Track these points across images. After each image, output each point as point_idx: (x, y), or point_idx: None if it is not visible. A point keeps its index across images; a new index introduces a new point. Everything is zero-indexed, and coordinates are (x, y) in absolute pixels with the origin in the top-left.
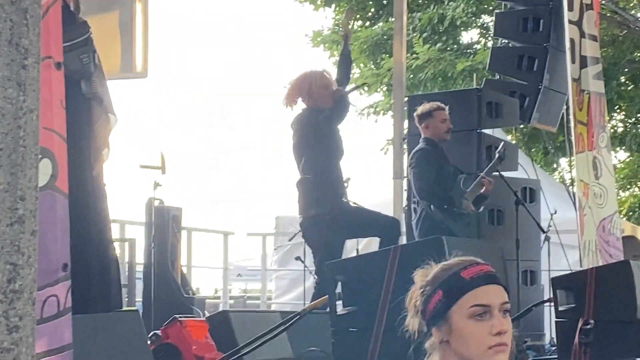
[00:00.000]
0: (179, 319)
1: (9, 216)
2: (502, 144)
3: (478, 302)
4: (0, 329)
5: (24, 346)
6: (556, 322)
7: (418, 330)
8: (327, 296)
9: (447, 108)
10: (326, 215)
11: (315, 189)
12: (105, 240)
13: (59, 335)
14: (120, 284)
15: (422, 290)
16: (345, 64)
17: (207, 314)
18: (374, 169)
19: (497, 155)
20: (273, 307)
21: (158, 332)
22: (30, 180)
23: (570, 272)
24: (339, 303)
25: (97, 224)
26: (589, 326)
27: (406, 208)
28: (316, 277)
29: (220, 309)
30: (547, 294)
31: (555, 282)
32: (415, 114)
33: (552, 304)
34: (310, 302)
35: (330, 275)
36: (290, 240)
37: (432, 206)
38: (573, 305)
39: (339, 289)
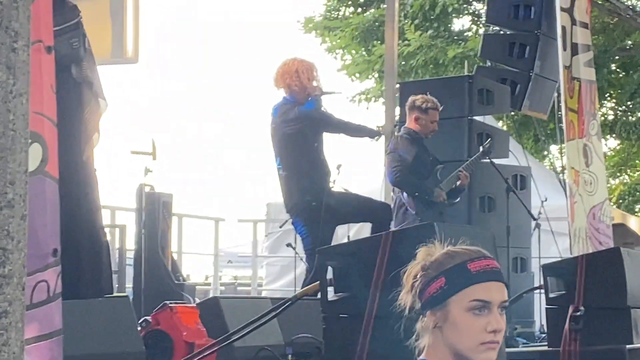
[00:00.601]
0: (169, 305)
1: None
2: (489, 140)
3: (479, 297)
4: None
5: (13, 331)
6: (546, 309)
7: (410, 307)
8: (318, 282)
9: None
10: (312, 202)
11: (298, 181)
12: (96, 225)
13: (48, 321)
14: (111, 270)
15: (423, 270)
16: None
17: (198, 301)
18: (364, 156)
19: (480, 150)
20: (264, 294)
21: (148, 318)
22: (20, 165)
23: (560, 259)
24: (330, 289)
25: (87, 209)
26: (579, 313)
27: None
28: (307, 264)
29: (211, 295)
30: (538, 281)
31: (546, 269)
32: (409, 102)
33: (543, 291)
34: (301, 288)
35: (321, 261)
36: (281, 227)
37: (404, 193)
38: (563, 292)
39: (330, 275)
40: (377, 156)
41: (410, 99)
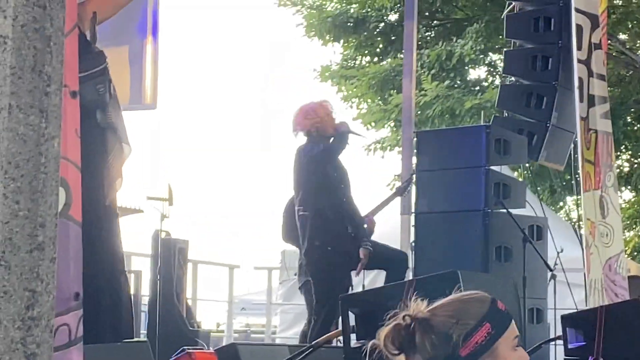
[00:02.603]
0: (188, 350)
1: (28, 243)
2: (408, 179)
3: (516, 333)
4: (17, 356)
5: None
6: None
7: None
8: (340, 329)
9: None
10: (327, 246)
11: (314, 222)
12: (116, 270)
13: None
14: (131, 315)
15: (456, 321)
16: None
17: (211, 348)
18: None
19: (394, 191)
20: (277, 342)
21: None
22: (51, 207)
23: (578, 310)
24: (353, 336)
25: (109, 254)
26: None
27: (413, 244)
28: (314, 316)
29: (225, 342)
30: (553, 332)
31: (565, 320)
32: None
33: (560, 341)
34: (302, 340)
35: (343, 308)
36: (295, 274)
37: None
38: (583, 343)
39: (352, 322)
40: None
41: None
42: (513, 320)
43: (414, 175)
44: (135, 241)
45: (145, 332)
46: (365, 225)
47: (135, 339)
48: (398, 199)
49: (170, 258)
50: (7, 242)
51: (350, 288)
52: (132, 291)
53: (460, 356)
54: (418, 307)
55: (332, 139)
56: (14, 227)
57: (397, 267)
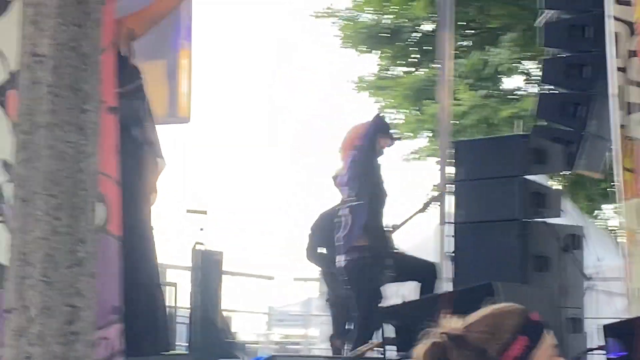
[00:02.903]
0: None
1: (69, 258)
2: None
3: (553, 343)
4: None
5: None
6: None
7: None
8: (378, 341)
9: None
10: (368, 256)
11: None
12: (153, 283)
13: None
14: (167, 327)
15: (491, 335)
16: None
17: (248, 359)
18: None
19: (421, 207)
20: (315, 353)
21: None
22: (90, 223)
23: (621, 319)
24: (391, 348)
25: (145, 267)
26: None
27: (451, 254)
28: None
29: (261, 353)
30: (591, 342)
31: (607, 330)
32: None
33: (601, 351)
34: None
35: (382, 320)
36: None
37: None
38: (625, 353)
39: (391, 334)
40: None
41: None
42: (549, 330)
43: (438, 193)
44: (171, 253)
45: (185, 344)
46: None
47: (177, 352)
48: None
49: (207, 270)
50: (48, 258)
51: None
52: (167, 303)
53: None
54: (453, 324)
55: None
56: (54, 243)
57: (429, 278)
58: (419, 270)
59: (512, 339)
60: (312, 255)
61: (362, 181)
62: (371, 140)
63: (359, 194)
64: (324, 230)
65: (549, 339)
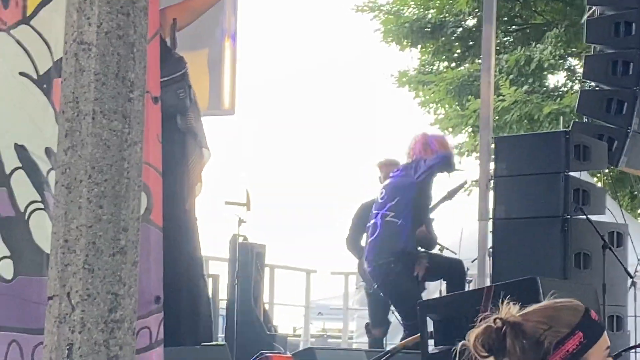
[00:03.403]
0: (267, 354)
1: (111, 246)
2: (461, 184)
3: (608, 344)
4: (100, 358)
5: None
6: None
7: None
8: (418, 334)
9: None
10: (391, 264)
11: (400, 235)
12: (196, 274)
13: None
14: (210, 318)
15: (548, 327)
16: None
17: (288, 352)
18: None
19: (445, 194)
20: (354, 347)
21: None
22: (133, 212)
23: None
24: (431, 342)
25: (188, 257)
26: None
27: (491, 250)
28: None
29: (301, 347)
30: (633, 340)
31: None
32: None
33: None
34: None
35: (421, 314)
36: None
37: None
38: None
39: (430, 328)
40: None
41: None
42: (605, 331)
43: (466, 181)
44: (212, 245)
45: (223, 335)
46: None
47: (214, 342)
48: (471, 204)
49: (248, 262)
50: (91, 245)
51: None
52: (209, 295)
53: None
54: (510, 310)
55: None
56: (97, 231)
57: (455, 277)
58: (447, 269)
59: (569, 334)
60: (352, 245)
61: (406, 202)
62: (431, 173)
63: (398, 212)
64: (364, 220)
65: (605, 340)
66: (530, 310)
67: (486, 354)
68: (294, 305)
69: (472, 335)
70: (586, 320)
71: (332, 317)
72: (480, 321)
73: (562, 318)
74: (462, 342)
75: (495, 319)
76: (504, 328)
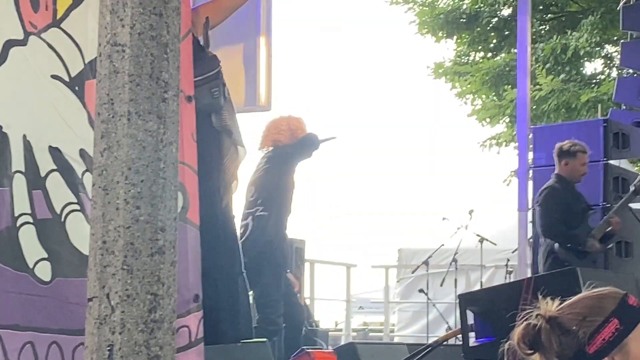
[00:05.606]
0: (307, 350)
1: (149, 247)
2: (638, 177)
3: None
4: (141, 358)
5: None
6: None
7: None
8: (459, 328)
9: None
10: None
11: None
12: (234, 271)
13: None
14: (250, 315)
15: (583, 318)
16: None
17: (330, 347)
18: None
19: (632, 189)
20: (396, 340)
21: None
22: (170, 212)
23: None
24: (472, 335)
25: (226, 255)
26: None
27: (531, 240)
28: None
29: (343, 341)
30: None
31: None
32: (556, 149)
33: None
34: None
35: (462, 307)
36: (413, 272)
37: (555, 244)
38: None
39: (471, 321)
40: (508, 194)
41: (557, 145)
42: None
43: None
44: None
45: None
46: (610, 228)
47: (255, 339)
48: (511, 195)
49: (287, 258)
50: (129, 246)
51: None
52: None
53: (588, 353)
54: (548, 305)
55: None
56: (135, 231)
57: None
58: None
59: (603, 322)
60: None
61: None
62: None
63: (266, 205)
64: None
65: None
66: (567, 303)
67: (530, 351)
68: (335, 300)
69: (515, 334)
70: (622, 306)
71: (373, 310)
72: (521, 318)
73: (597, 307)
74: (509, 342)
75: (535, 315)
76: (541, 323)
